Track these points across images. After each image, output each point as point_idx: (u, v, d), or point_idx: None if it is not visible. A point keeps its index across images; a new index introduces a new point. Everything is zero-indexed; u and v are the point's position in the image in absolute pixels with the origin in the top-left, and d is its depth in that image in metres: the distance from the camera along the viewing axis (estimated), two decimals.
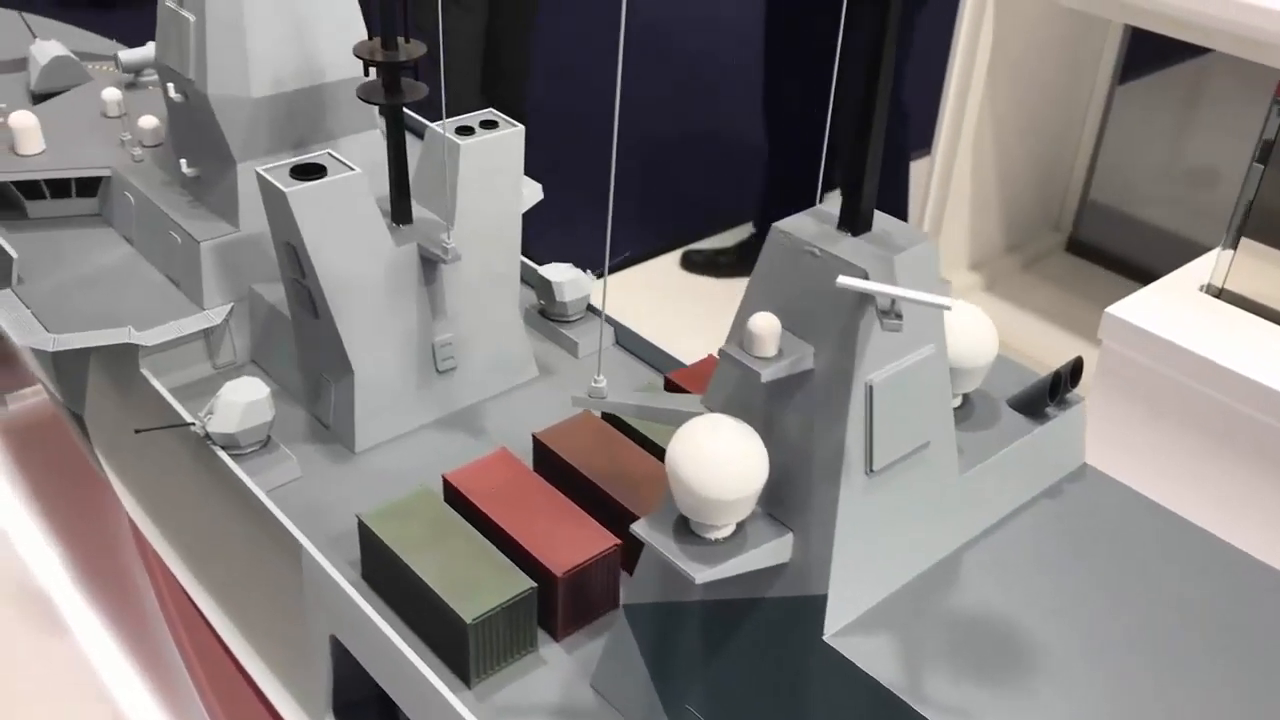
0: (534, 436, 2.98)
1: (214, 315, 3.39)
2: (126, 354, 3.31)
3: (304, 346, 3.25)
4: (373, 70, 3.15)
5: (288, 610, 2.89)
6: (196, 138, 3.48)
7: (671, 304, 6.19)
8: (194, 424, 3.00)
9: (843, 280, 1.79)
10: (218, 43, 3.23)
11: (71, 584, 4.45)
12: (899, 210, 5.72)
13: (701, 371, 3.24)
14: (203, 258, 3.37)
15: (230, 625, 3.24)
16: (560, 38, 7.23)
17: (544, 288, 3.64)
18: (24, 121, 3.77)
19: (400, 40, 2.96)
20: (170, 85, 3.39)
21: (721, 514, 1.98)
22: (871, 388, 1.94)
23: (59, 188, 3.79)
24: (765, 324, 1.95)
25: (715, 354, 3.34)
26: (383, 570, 2.68)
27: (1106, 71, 6.13)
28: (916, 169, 6.07)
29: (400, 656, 2.49)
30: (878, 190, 1.93)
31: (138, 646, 4.24)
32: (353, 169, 2.99)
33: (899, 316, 1.78)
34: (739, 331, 2.03)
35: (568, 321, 3.67)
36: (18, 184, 3.75)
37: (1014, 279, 6.26)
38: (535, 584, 2.54)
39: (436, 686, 2.41)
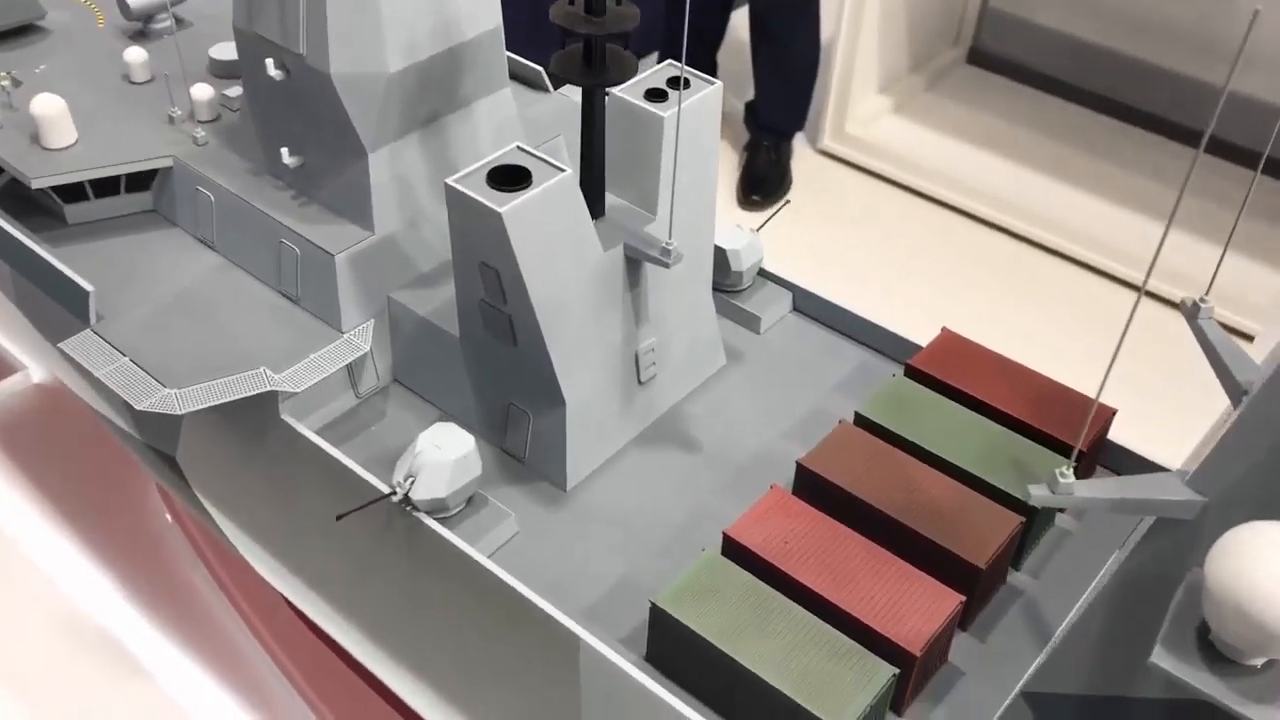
0: (799, 464, 2.56)
1: (358, 341, 2.81)
2: (257, 397, 2.74)
3: (489, 374, 2.73)
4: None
5: (542, 703, 2.47)
6: (302, 122, 2.82)
7: None
8: (393, 493, 2.48)
9: None
10: (342, 8, 2.55)
11: (140, 622, 3.90)
12: (812, 40, 5.57)
13: (945, 352, 2.84)
14: (339, 273, 2.77)
15: (434, 703, 2.80)
16: None
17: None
18: (50, 107, 3.01)
19: (609, 2, 2.36)
20: (269, 61, 2.70)
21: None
22: None
23: (105, 185, 3.09)
24: None
25: (945, 328, 2.97)
26: (690, 661, 2.28)
27: None
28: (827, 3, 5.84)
29: None
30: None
31: (233, 681, 3.76)
32: (561, 168, 2.43)
33: None
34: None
35: (739, 291, 3.21)
36: (57, 188, 3.04)
37: (919, 99, 6.32)
38: (896, 669, 2.18)
39: None
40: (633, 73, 2.45)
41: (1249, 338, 4.41)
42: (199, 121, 3.14)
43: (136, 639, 3.84)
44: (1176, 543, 1.80)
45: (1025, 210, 5.28)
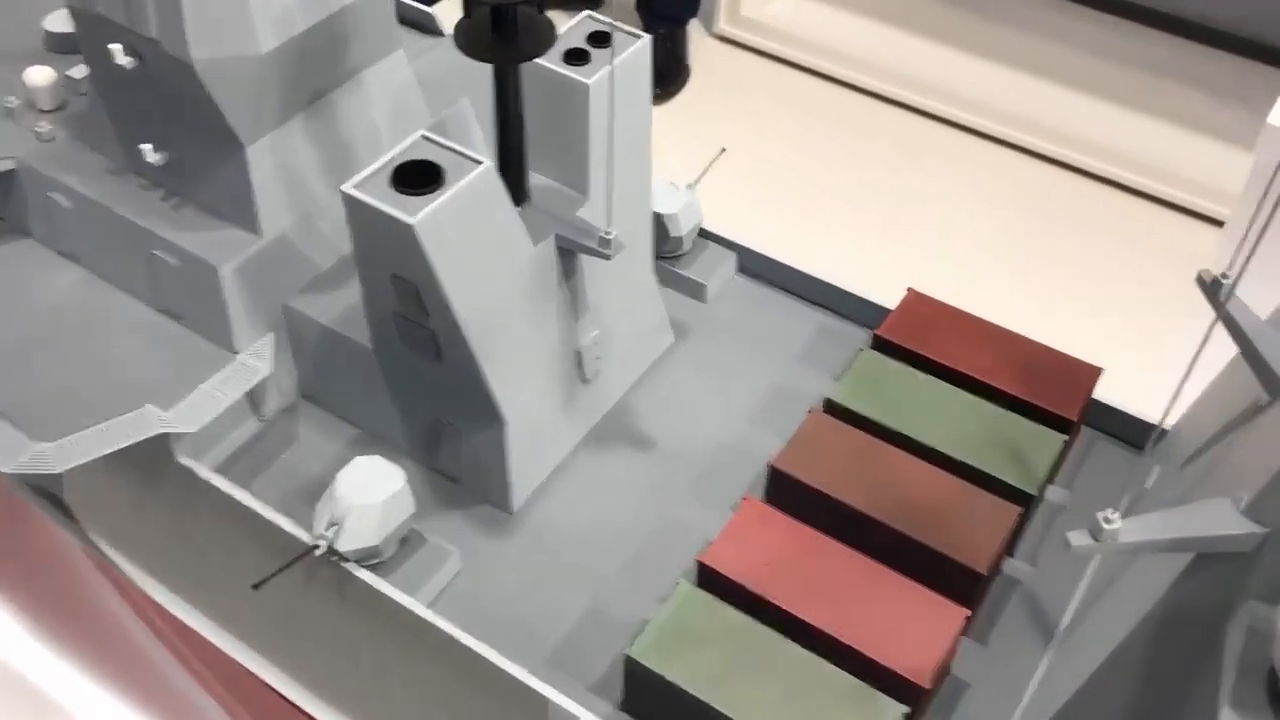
0: (771, 467, 2.30)
1: (256, 363, 2.45)
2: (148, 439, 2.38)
3: (412, 390, 2.40)
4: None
5: None
6: (164, 113, 2.40)
7: None
8: (317, 548, 2.17)
9: None
10: None
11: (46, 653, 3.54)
12: None
13: (913, 317, 2.58)
14: (225, 286, 2.40)
15: None
16: None
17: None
18: None
19: None
20: (116, 47, 2.28)
21: None
22: None
23: None
24: None
25: (910, 290, 2.70)
26: (674, 714, 2.03)
27: None
28: None
29: None
30: None
31: None
32: (476, 159, 2.08)
33: None
34: None
35: (679, 256, 2.90)
36: None
37: None
38: (906, 708, 1.96)
39: None
40: (550, 41, 2.08)
41: (1219, 223, 4.22)
42: (41, 111, 2.69)
43: (45, 673, 3.49)
44: (1227, 574, 1.58)
45: (946, 91, 4.91)
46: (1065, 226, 4.17)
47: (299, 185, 2.47)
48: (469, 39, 2.05)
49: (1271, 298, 1.98)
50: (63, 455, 2.26)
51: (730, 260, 2.92)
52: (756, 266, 2.93)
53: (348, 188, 2.02)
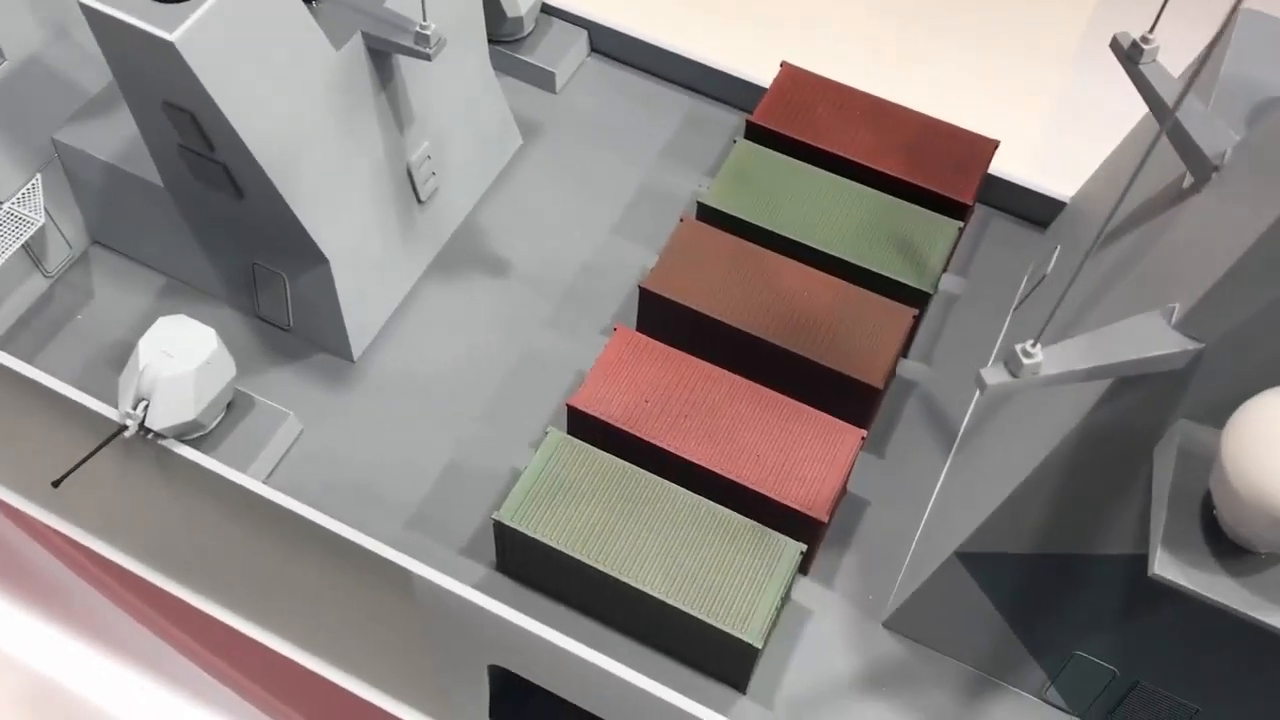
0: (641, 288, 2.03)
1: (27, 211, 2.06)
2: None
3: (216, 230, 2.05)
4: None
5: (384, 638, 2.01)
6: None
7: None
8: (125, 428, 1.86)
9: None
10: None
11: None
12: None
13: (790, 97, 2.28)
14: None
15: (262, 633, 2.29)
16: None
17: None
18: None
19: None
20: None
21: None
22: None
23: None
24: None
25: (784, 64, 2.38)
26: (554, 575, 1.84)
27: None
28: None
29: (642, 694, 1.75)
30: None
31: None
32: None
33: None
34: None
35: (520, 40, 2.52)
36: None
37: None
38: (803, 545, 1.79)
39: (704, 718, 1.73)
40: None
41: None
42: None
43: None
44: (1156, 394, 1.40)
45: None
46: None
47: None
48: None
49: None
50: None
51: (581, 40, 2.55)
52: (611, 46, 2.57)
53: None
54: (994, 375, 1.29)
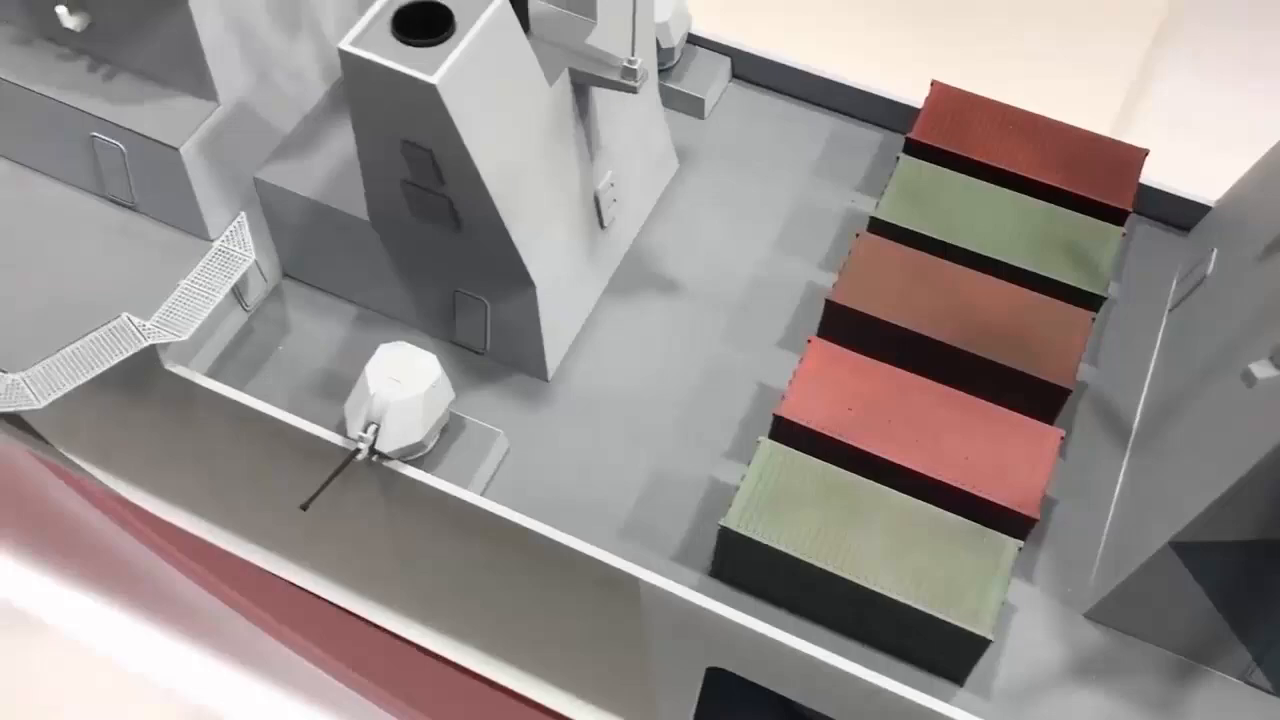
0: (829, 302, 2.13)
1: (236, 248, 2.16)
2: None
3: (422, 261, 2.14)
4: None
5: (601, 643, 2.10)
6: None
7: None
8: (359, 450, 1.96)
9: None
10: None
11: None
12: None
13: (944, 115, 2.38)
14: (190, 168, 2.07)
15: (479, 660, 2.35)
16: None
17: None
18: None
19: None
20: None
21: None
22: None
23: None
24: None
25: (935, 83, 2.47)
26: (777, 578, 1.92)
27: None
28: None
29: (872, 688, 1.83)
30: None
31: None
32: None
33: None
34: None
35: (669, 69, 2.62)
36: None
37: None
38: (1020, 541, 1.88)
39: (938, 709, 1.81)
40: None
41: None
42: None
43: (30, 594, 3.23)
44: None
45: None
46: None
47: (251, 36, 2.12)
48: None
49: None
50: (43, 386, 1.98)
51: (724, 67, 2.66)
52: (753, 71, 2.67)
53: (347, 45, 1.71)
54: (1263, 370, 1.39)
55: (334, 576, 2.32)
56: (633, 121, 2.27)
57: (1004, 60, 3.67)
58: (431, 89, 1.68)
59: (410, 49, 1.71)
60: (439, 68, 1.69)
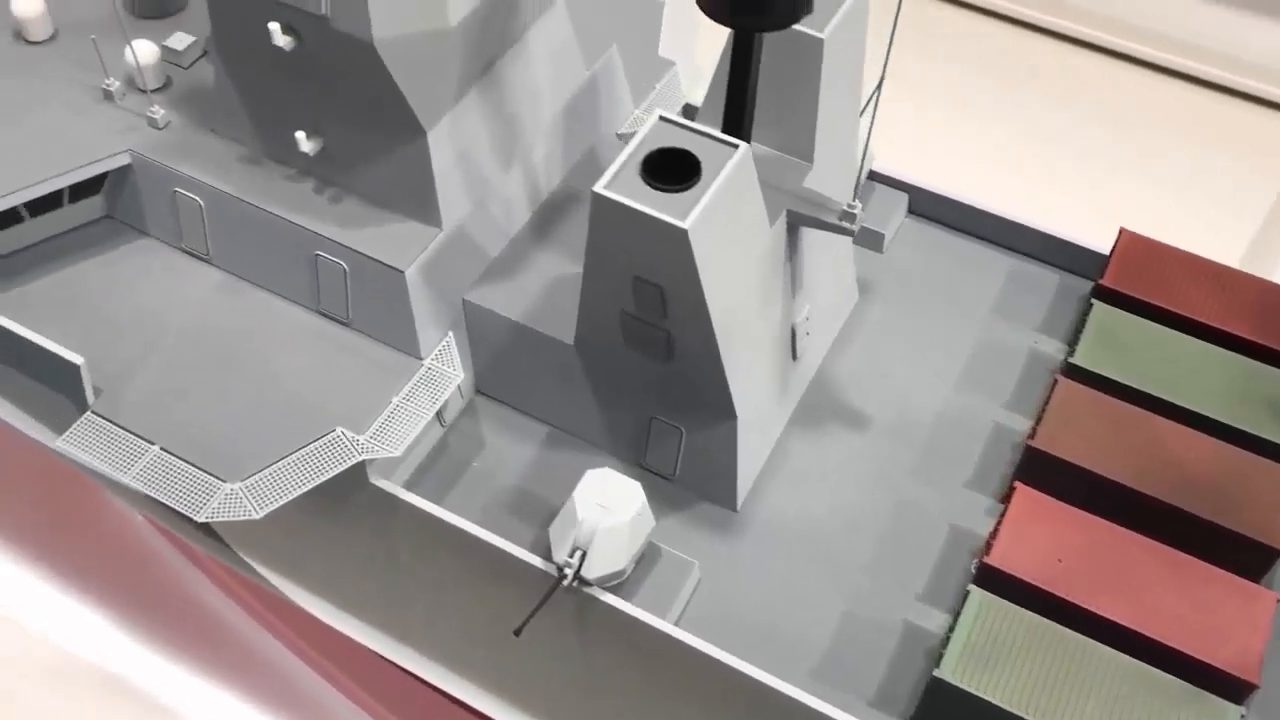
0: (1031, 448, 2.13)
1: (446, 368, 2.21)
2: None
3: (622, 387, 2.18)
4: None
5: None
6: (321, 98, 2.10)
7: None
8: (564, 578, 1.97)
9: None
10: None
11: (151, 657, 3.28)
12: None
13: (1135, 263, 2.39)
14: (411, 290, 2.14)
15: None
16: None
17: None
18: None
19: None
20: (274, 26, 1.96)
21: None
22: None
23: (44, 201, 2.31)
24: None
25: (1124, 230, 2.49)
26: None
27: None
28: None
29: None
30: None
31: None
32: (731, 143, 1.83)
33: None
34: None
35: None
36: None
37: None
38: (1242, 709, 1.84)
39: None
40: (807, 7, 1.80)
41: None
42: (143, 92, 2.36)
43: (147, 675, 3.26)
44: None
45: (1112, 19, 4.38)
46: (1242, 154, 3.90)
47: (474, 168, 2.20)
48: (717, 5, 1.77)
49: None
50: (261, 497, 2.03)
51: (902, 203, 2.70)
52: (930, 207, 2.71)
53: (601, 189, 1.77)
54: None
55: (513, 699, 2.32)
56: (827, 257, 2.31)
57: (1175, 204, 3.69)
58: (682, 233, 1.73)
59: (660, 194, 1.77)
60: (689, 214, 1.74)
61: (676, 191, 1.77)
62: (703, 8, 1.77)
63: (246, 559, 2.54)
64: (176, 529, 2.65)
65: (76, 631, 3.29)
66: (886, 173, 2.72)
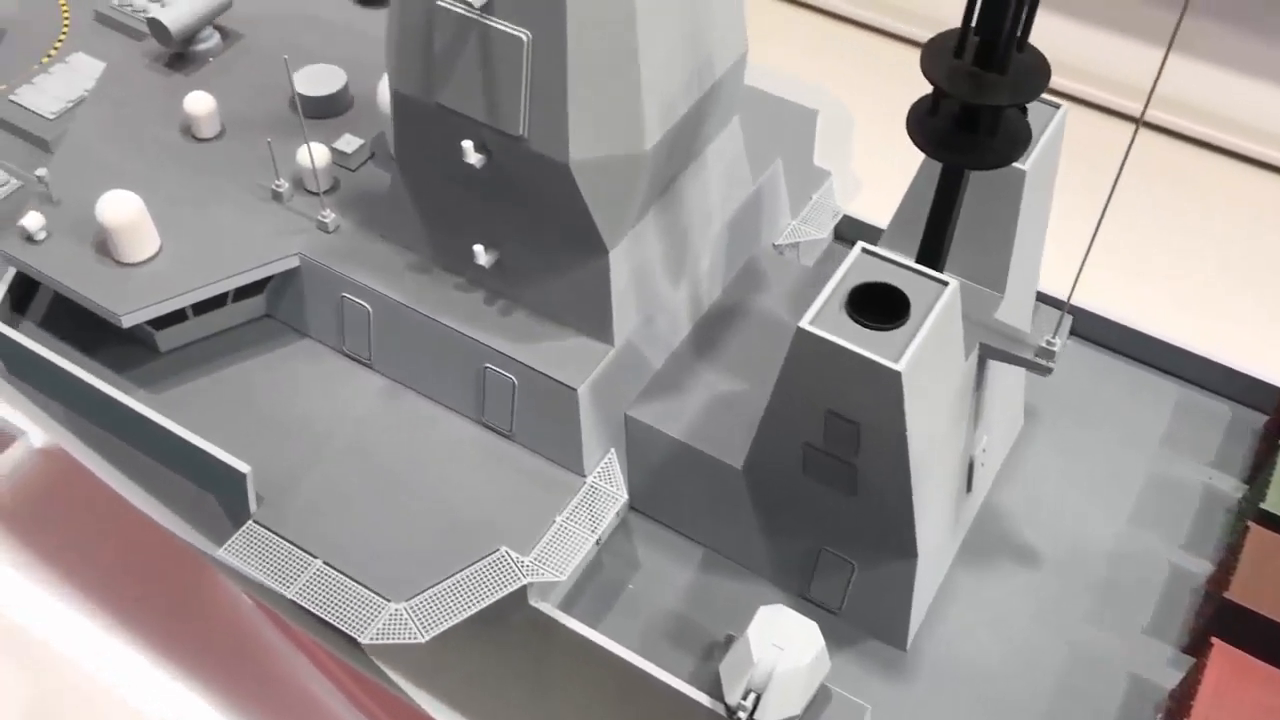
0: (1228, 600, 2.02)
1: (610, 487, 2.16)
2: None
3: (792, 518, 2.11)
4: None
5: None
6: (504, 214, 2.08)
7: None
8: (738, 718, 1.89)
9: None
10: (589, 79, 1.80)
11: None
12: None
13: None
14: (582, 407, 2.09)
15: None
16: None
17: None
18: (123, 211, 2.19)
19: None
20: (467, 144, 1.94)
21: None
22: None
23: (210, 300, 2.31)
24: None
25: None
26: None
27: None
28: None
29: None
30: None
31: None
32: (941, 280, 1.78)
33: None
34: None
35: None
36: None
37: None
38: None
39: None
40: (1028, 142, 1.75)
41: None
42: (311, 193, 2.36)
43: None
44: None
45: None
46: None
47: (647, 285, 2.16)
48: (933, 136, 1.72)
49: None
50: (425, 619, 1.97)
51: (1065, 324, 2.61)
52: (1093, 330, 2.63)
53: (806, 325, 1.72)
54: None
55: None
56: (1003, 384, 2.24)
57: None
58: (895, 376, 1.67)
59: (867, 332, 1.71)
60: (902, 355, 1.68)
61: (885, 329, 1.71)
62: (918, 144, 1.72)
63: (380, 665, 2.48)
64: (294, 622, 2.60)
65: (180, 711, 3.25)
66: (1049, 293, 2.64)
